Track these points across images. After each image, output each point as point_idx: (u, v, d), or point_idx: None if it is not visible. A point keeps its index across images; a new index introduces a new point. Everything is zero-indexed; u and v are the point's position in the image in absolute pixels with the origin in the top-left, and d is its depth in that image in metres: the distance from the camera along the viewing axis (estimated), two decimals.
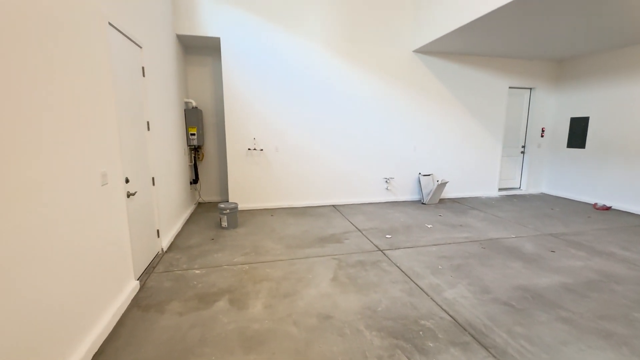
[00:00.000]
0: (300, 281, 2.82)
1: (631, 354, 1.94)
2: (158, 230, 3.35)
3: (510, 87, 6.31)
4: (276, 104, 5.22)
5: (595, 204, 5.62)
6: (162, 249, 3.42)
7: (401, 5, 5.40)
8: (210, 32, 4.80)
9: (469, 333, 2.13)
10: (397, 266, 3.15)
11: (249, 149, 5.23)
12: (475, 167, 6.35)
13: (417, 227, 4.38)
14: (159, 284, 2.76)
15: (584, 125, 6.00)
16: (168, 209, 3.78)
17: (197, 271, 3.00)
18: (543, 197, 6.42)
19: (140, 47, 3.01)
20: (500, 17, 3.95)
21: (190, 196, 5.27)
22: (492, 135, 6.32)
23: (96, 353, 1.91)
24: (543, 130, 6.67)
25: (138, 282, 2.68)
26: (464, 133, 6.16)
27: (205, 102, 5.55)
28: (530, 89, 6.52)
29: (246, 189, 5.31)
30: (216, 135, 5.70)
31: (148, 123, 3.17)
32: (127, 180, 2.58)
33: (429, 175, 5.98)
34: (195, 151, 5.48)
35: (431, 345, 2.01)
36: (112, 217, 2.29)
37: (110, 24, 2.36)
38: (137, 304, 2.45)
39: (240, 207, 5.28)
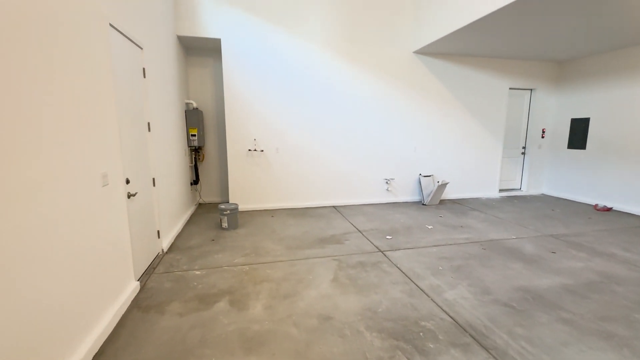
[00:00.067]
0: (301, 282, 2.82)
1: (632, 355, 1.93)
2: (158, 231, 3.35)
3: (510, 88, 6.32)
4: (276, 104, 5.22)
5: (596, 205, 5.61)
6: (162, 250, 3.43)
7: (401, 6, 5.41)
8: (211, 33, 4.81)
9: (470, 334, 2.12)
10: (398, 267, 3.14)
11: (249, 150, 5.23)
12: (476, 168, 6.34)
13: (417, 228, 4.38)
14: (159, 284, 2.76)
15: (585, 126, 5.99)
16: (168, 210, 3.78)
17: (197, 272, 3.00)
18: (543, 198, 6.42)
19: (141, 48, 3.02)
20: (501, 18, 3.95)
21: (191, 197, 5.28)
22: (492, 136, 6.32)
23: (96, 354, 1.91)
24: (543, 131, 6.67)
25: (138, 282, 2.68)
26: (465, 134, 6.16)
27: (206, 103, 5.56)
28: (531, 89, 6.52)
29: (246, 189, 5.32)
30: (217, 136, 5.70)
31: (149, 124, 3.17)
32: (127, 181, 2.58)
33: (429, 176, 5.98)
34: (196, 152, 5.48)
35: (431, 346, 2.00)
36: (113, 218, 2.29)
37: (111, 25, 2.37)
38: (137, 304, 2.45)
39: (241, 208, 5.28)
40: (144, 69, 3.06)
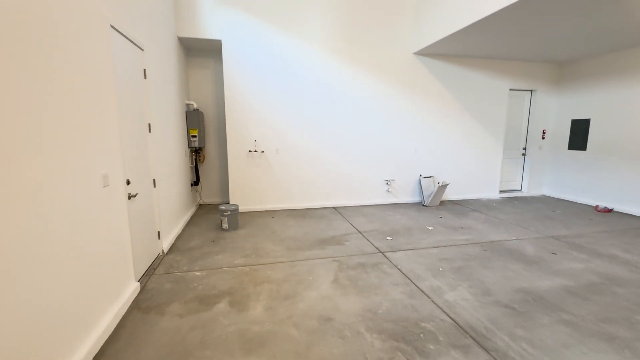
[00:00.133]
0: (301, 283, 2.82)
1: (633, 357, 1.93)
2: (159, 232, 3.35)
3: (511, 89, 6.32)
4: (277, 105, 5.23)
5: (597, 206, 5.60)
6: (162, 251, 3.43)
7: (401, 7, 5.41)
8: (211, 34, 4.82)
9: (470, 336, 2.12)
10: (398, 268, 3.14)
11: (249, 151, 5.24)
12: (476, 169, 6.34)
13: (417, 229, 4.38)
14: (160, 285, 2.76)
15: (585, 127, 5.99)
16: (169, 211, 3.79)
17: (197, 273, 3.00)
18: (544, 199, 6.41)
19: (142, 50, 3.02)
20: (501, 19, 3.96)
21: (191, 198, 5.28)
22: (493, 137, 6.31)
23: (96, 354, 1.90)
24: (544, 132, 6.66)
25: (138, 283, 2.68)
26: (465, 135, 6.16)
27: (206, 104, 5.57)
28: (531, 91, 6.53)
29: (247, 190, 5.32)
30: (217, 137, 5.71)
31: (149, 125, 3.18)
32: (128, 182, 2.58)
33: (429, 177, 5.98)
34: (196, 153, 5.48)
35: (432, 347, 2.00)
36: (113, 219, 2.29)
37: (112, 26, 2.37)
38: (137, 305, 2.45)
39: (241, 209, 5.28)
40: (144, 70, 3.07)
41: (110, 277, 2.21)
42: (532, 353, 1.95)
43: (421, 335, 2.12)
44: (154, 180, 3.27)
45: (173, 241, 3.80)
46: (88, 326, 1.89)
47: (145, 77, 3.08)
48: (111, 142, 2.30)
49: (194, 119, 5.09)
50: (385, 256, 3.44)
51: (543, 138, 6.68)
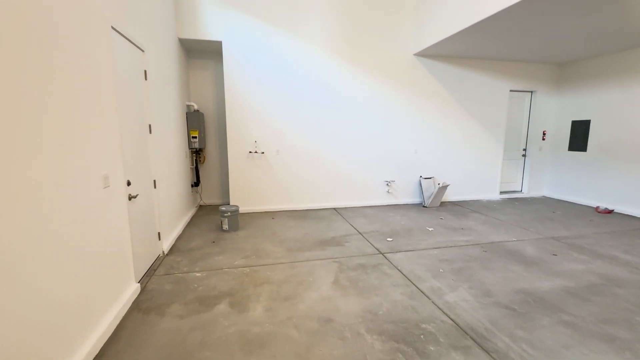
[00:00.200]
0: (301, 284, 2.82)
1: (634, 358, 1.93)
2: (159, 233, 3.36)
3: (511, 90, 6.32)
4: (277, 106, 5.23)
5: (597, 207, 5.60)
6: (163, 252, 3.43)
7: (401, 8, 5.42)
8: (211, 35, 4.83)
9: (471, 337, 2.11)
10: (398, 269, 3.14)
11: (250, 152, 5.24)
12: (477, 170, 6.34)
13: (418, 230, 4.37)
14: (160, 286, 2.76)
15: (586, 128, 5.99)
16: (169, 212, 3.79)
17: (197, 274, 3.00)
18: (544, 200, 6.40)
19: (143, 51, 3.03)
20: (502, 19, 3.96)
21: (192, 199, 5.28)
22: (493, 138, 6.31)
23: (96, 355, 1.90)
24: (544, 133, 6.66)
25: (139, 284, 2.68)
26: (465, 136, 6.16)
27: (207, 106, 5.57)
28: (532, 92, 6.53)
29: (247, 191, 5.32)
30: (217, 138, 5.71)
31: (150, 126, 3.18)
32: (128, 183, 2.58)
33: (430, 178, 5.98)
34: (197, 154, 5.49)
35: (432, 349, 1.99)
36: (114, 220, 2.29)
37: (113, 27, 2.38)
38: (137, 306, 2.45)
39: (241, 209, 5.28)
40: (145, 71, 3.08)
41: (110, 277, 2.21)
42: (533, 354, 1.95)
43: (421, 336, 2.12)
44: (155, 181, 3.27)
45: (173, 242, 3.80)
46: (88, 327, 1.89)
47: (145, 78, 3.09)
48: (112, 143, 2.30)
49: (194, 120, 5.10)
50: (386, 257, 3.44)
51: (543, 139, 6.68)
